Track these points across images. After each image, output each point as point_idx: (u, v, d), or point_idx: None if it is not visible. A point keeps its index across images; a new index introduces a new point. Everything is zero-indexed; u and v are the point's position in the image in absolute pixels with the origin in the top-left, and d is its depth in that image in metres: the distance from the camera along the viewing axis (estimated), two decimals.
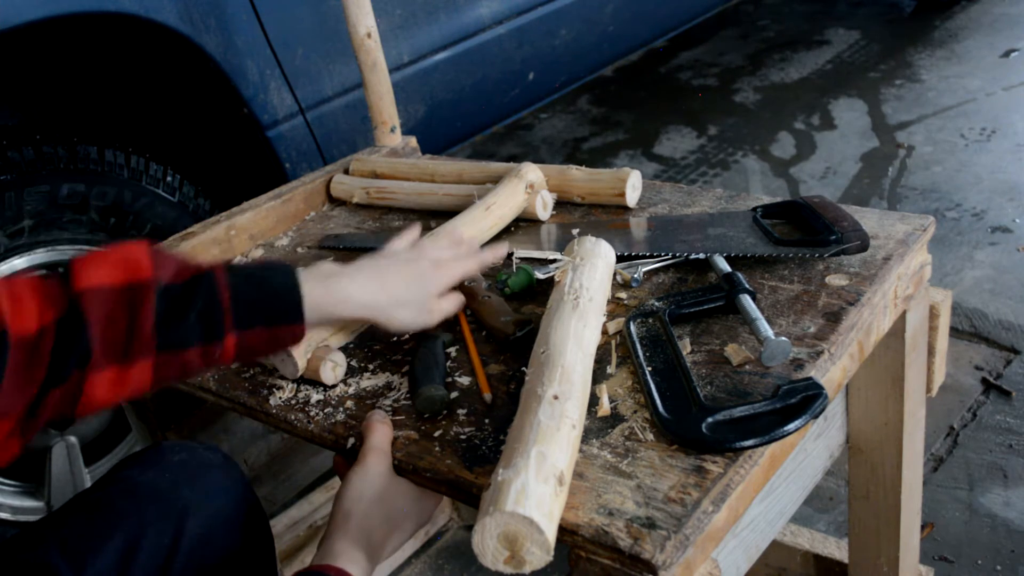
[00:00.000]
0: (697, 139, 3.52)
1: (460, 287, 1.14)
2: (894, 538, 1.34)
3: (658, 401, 0.90)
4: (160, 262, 0.88)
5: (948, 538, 1.65)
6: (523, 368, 0.99)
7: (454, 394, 1.02)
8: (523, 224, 1.38)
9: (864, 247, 1.10)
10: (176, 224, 1.83)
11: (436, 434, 0.96)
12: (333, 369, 1.07)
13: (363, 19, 1.59)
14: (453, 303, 1.08)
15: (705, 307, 1.06)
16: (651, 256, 1.19)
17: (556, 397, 0.85)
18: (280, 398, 1.07)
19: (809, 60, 4.11)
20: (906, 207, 2.74)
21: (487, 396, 0.99)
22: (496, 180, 1.40)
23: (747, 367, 0.96)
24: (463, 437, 0.94)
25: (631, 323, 1.04)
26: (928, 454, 1.84)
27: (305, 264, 1.39)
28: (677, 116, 3.76)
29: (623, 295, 1.14)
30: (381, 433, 0.95)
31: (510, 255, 1.28)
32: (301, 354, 1.06)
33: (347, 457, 0.98)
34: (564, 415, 0.83)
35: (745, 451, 0.84)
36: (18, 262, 1.69)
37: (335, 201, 1.62)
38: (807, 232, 1.17)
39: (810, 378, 0.88)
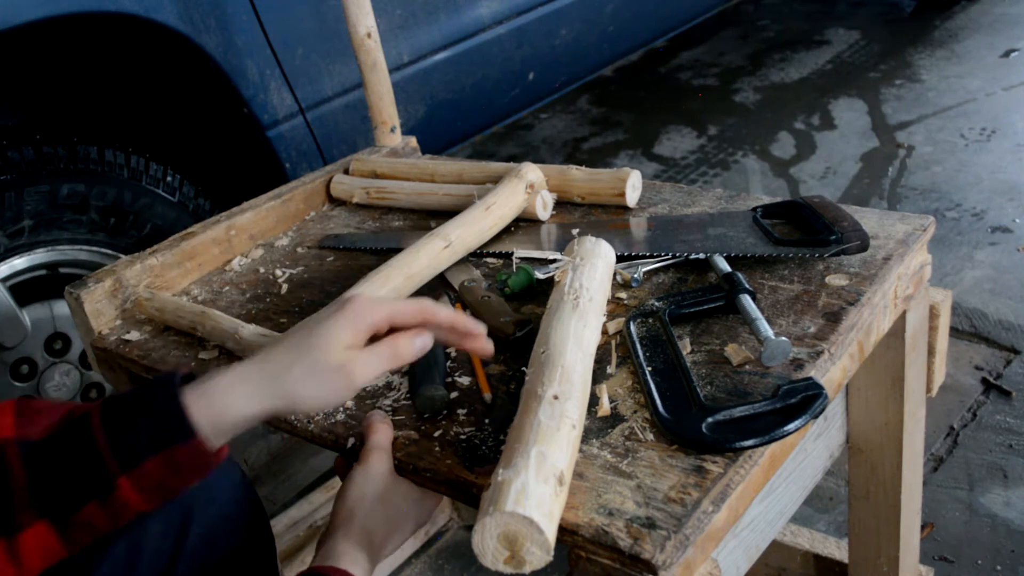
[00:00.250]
0: (697, 139, 3.52)
1: (459, 288, 1.13)
2: (894, 538, 1.34)
3: (658, 401, 0.90)
4: (25, 419, 0.79)
5: (948, 538, 1.65)
6: (523, 368, 0.99)
7: (454, 394, 1.02)
8: (523, 224, 1.38)
9: (864, 247, 1.10)
10: (176, 224, 1.83)
11: (436, 434, 0.96)
12: None
13: (363, 19, 1.59)
14: (380, 357, 0.84)
15: (705, 307, 1.06)
16: (651, 256, 1.19)
17: (556, 397, 0.85)
18: None
19: (809, 60, 4.11)
20: (906, 207, 2.74)
21: (487, 396, 0.99)
22: (496, 180, 1.40)
23: (747, 367, 0.96)
24: (463, 437, 0.94)
25: (631, 323, 1.04)
26: (928, 454, 1.84)
27: (306, 264, 1.40)
28: (677, 116, 3.76)
29: (623, 295, 1.14)
30: (382, 433, 0.95)
31: (510, 255, 1.28)
32: None
33: (347, 457, 0.98)
34: (564, 415, 0.83)
35: (745, 451, 0.84)
36: (18, 262, 1.69)
37: (335, 201, 1.62)
38: (807, 232, 1.17)
39: (810, 378, 0.88)
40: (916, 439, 1.29)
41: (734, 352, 0.98)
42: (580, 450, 0.87)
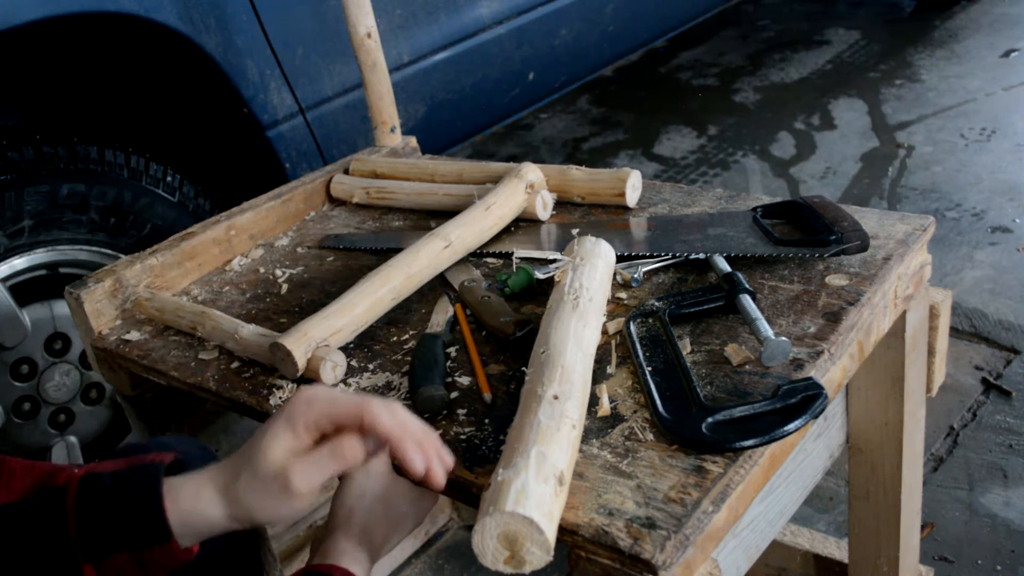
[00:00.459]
0: (697, 139, 3.52)
1: (459, 288, 1.13)
2: (894, 538, 1.34)
3: (658, 401, 0.90)
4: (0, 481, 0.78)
5: (948, 538, 1.65)
6: (523, 368, 0.99)
7: (454, 394, 1.02)
8: (523, 224, 1.38)
9: (864, 247, 1.10)
10: (176, 224, 1.84)
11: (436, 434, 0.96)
12: (333, 369, 1.07)
13: (363, 19, 1.59)
14: (318, 464, 0.77)
15: (705, 307, 1.06)
16: (651, 256, 1.19)
17: (556, 397, 0.85)
18: (280, 398, 1.07)
19: (809, 60, 4.11)
20: (906, 207, 2.74)
21: (487, 396, 0.99)
22: (496, 180, 1.40)
23: (747, 367, 0.96)
24: (463, 437, 0.94)
25: (631, 323, 1.04)
26: (928, 454, 1.84)
27: (306, 264, 1.40)
28: (677, 116, 3.76)
29: (623, 295, 1.14)
30: None
31: (510, 255, 1.28)
32: (301, 354, 1.06)
33: None
34: (564, 415, 0.83)
35: (745, 451, 0.84)
36: (18, 262, 1.69)
37: (335, 201, 1.62)
38: (807, 232, 1.17)
39: (810, 378, 0.88)
40: (916, 439, 1.29)
41: (734, 352, 0.98)
42: (580, 450, 0.87)
